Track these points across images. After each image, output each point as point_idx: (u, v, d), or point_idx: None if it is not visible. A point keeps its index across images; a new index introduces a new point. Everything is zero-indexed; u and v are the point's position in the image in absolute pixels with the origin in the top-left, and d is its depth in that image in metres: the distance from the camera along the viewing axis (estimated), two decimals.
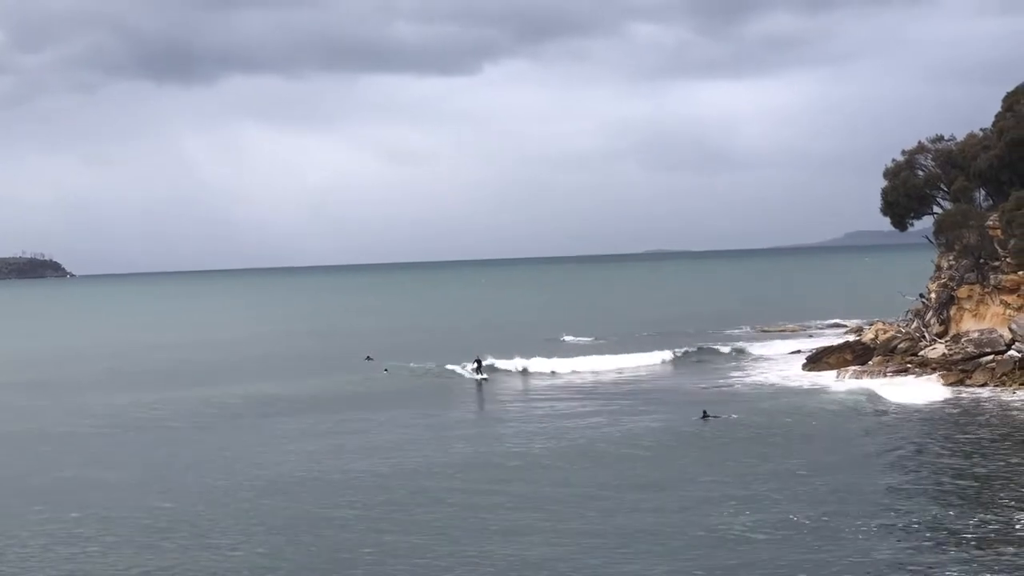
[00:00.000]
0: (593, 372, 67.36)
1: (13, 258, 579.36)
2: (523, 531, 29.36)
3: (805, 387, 57.29)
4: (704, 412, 47.24)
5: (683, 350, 74.74)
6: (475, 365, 66.97)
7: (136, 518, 31.97)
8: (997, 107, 66.18)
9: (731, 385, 59.67)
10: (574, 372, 67.45)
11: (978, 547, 26.69)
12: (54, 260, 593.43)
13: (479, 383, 64.17)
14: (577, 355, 73.59)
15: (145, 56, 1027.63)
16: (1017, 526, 28.24)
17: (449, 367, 69.03)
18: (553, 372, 67.73)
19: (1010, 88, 66.24)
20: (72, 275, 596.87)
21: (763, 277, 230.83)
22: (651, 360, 71.58)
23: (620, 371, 67.80)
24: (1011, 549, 26.26)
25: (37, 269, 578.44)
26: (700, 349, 76.20)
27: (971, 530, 28.14)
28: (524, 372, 67.95)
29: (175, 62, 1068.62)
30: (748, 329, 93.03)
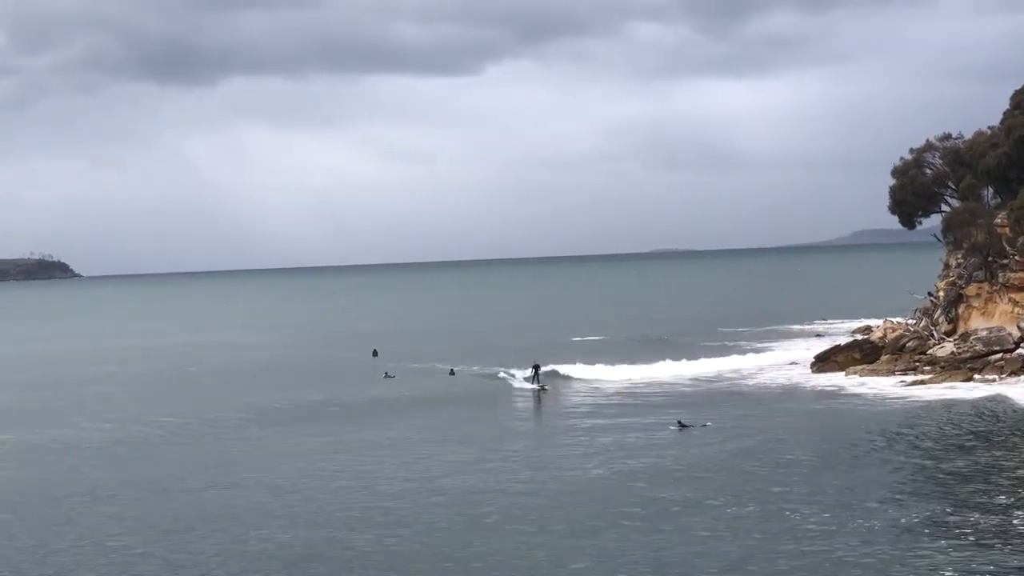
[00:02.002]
0: (613, 381, 63.50)
1: (22, 259, 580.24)
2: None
3: (819, 388, 56.54)
4: (679, 422, 45.78)
5: (695, 358, 70.76)
6: (532, 372, 61.81)
7: (128, 536, 31.07)
8: (999, 106, 66.22)
9: (738, 387, 59.04)
10: (597, 379, 64.10)
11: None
12: (62, 261, 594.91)
13: (537, 393, 59.53)
14: (592, 361, 69.50)
15: (147, 57, 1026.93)
16: None
17: (464, 369, 68.52)
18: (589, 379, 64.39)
19: (1014, 86, 66.22)
20: (80, 276, 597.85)
21: (769, 276, 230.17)
22: (665, 369, 67.37)
23: (647, 380, 63.59)
24: None
25: (45, 270, 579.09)
26: (707, 352, 74.48)
27: None
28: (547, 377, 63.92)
29: (177, 63, 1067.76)
30: (755, 329, 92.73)
